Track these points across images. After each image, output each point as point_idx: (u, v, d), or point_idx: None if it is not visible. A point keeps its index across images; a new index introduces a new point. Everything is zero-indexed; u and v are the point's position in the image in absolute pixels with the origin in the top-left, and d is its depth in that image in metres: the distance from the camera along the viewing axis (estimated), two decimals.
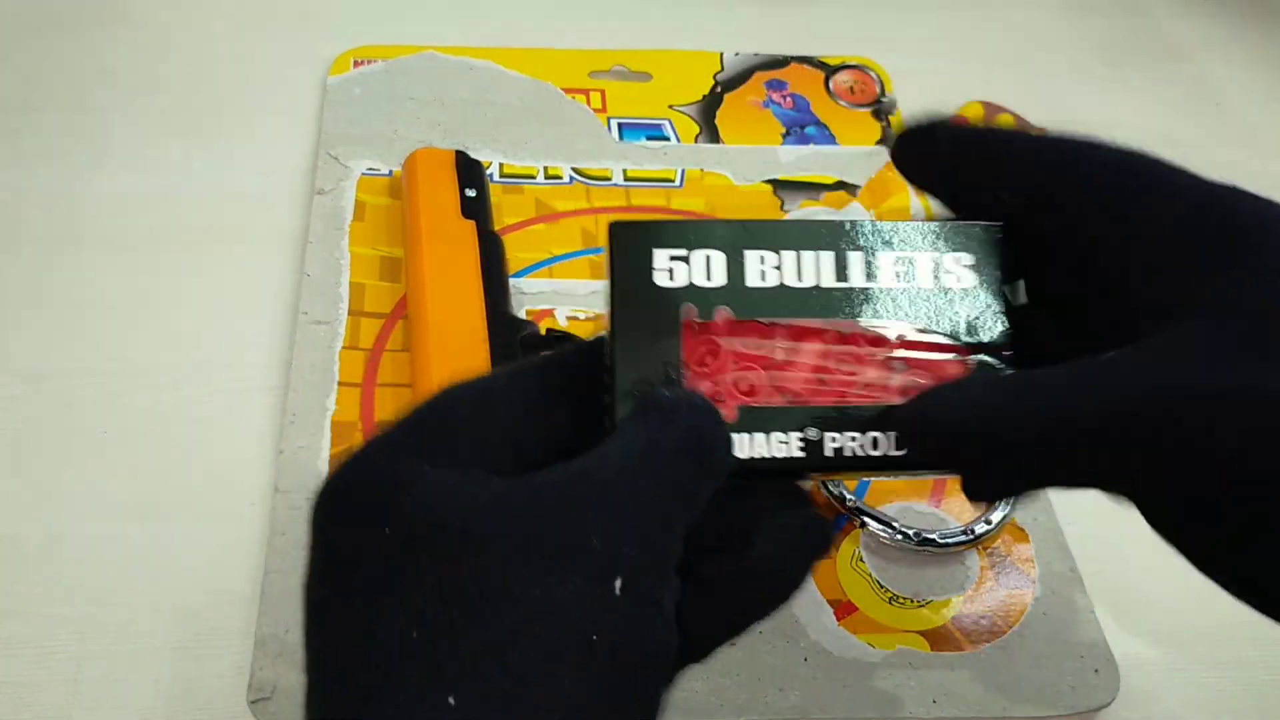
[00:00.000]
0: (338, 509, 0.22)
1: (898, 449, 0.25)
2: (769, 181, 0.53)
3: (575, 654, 0.20)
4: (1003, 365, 0.25)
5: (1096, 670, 0.37)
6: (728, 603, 0.25)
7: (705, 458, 0.23)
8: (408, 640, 0.20)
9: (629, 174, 0.53)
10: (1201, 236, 0.23)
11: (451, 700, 0.19)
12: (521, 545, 0.21)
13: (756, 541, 0.25)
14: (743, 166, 0.54)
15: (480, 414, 0.23)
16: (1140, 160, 0.25)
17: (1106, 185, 0.24)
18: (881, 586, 0.39)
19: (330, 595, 0.22)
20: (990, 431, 0.23)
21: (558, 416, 0.24)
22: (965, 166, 0.26)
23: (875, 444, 0.25)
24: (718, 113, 0.57)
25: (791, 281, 0.25)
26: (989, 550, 0.40)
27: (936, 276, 0.26)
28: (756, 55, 0.60)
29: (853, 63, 0.60)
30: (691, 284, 0.25)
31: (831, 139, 0.56)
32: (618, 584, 0.21)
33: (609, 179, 0.52)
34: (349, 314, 0.45)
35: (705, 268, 0.25)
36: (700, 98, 0.57)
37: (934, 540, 0.39)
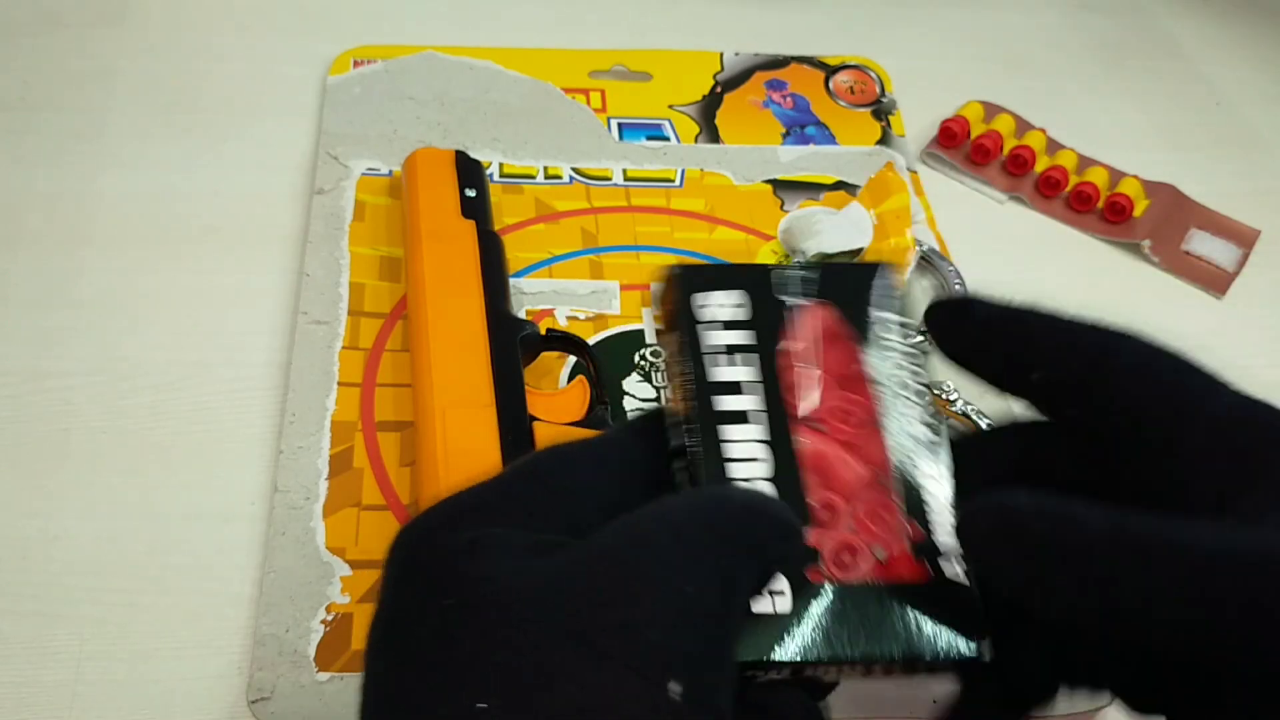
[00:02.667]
0: (407, 567, 0.21)
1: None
2: (769, 181, 0.53)
3: None
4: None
5: None
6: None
7: (772, 522, 0.22)
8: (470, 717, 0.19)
9: (629, 174, 0.53)
10: (1240, 446, 0.22)
11: None
12: (572, 630, 0.19)
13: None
14: (743, 166, 0.54)
15: (567, 478, 0.23)
16: (1176, 363, 0.24)
17: (1144, 385, 0.23)
18: None
19: (385, 663, 0.21)
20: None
21: (643, 483, 0.24)
22: (998, 344, 0.25)
23: None
24: (718, 113, 0.57)
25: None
26: None
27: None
28: (756, 55, 0.60)
29: (853, 63, 0.60)
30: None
31: (831, 139, 0.56)
32: (674, 688, 0.19)
33: (609, 179, 0.52)
34: (349, 314, 0.45)
35: None
36: (700, 98, 0.57)
37: None
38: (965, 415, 0.43)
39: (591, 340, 0.45)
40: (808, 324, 0.27)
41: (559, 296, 0.47)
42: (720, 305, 0.27)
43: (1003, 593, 0.23)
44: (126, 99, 0.55)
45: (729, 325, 0.26)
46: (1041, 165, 0.56)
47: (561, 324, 0.46)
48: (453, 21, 0.61)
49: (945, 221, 0.52)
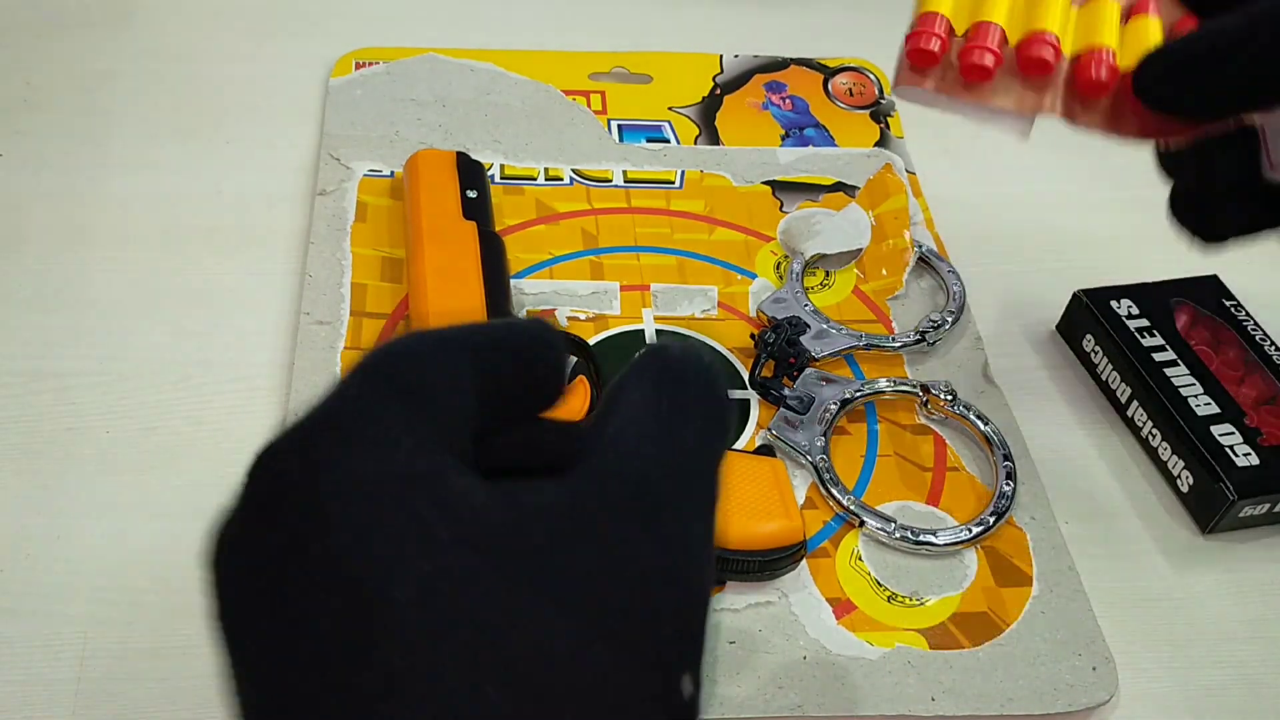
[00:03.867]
0: (266, 494, 0.19)
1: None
2: (768, 183, 0.53)
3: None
4: None
5: (1094, 668, 0.37)
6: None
7: (721, 429, 0.20)
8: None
9: (629, 175, 0.53)
10: None
11: None
12: (574, 607, 0.17)
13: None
14: (742, 168, 0.54)
15: (434, 369, 0.19)
16: None
17: None
18: (880, 585, 0.39)
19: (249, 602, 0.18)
20: None
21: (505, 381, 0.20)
22: None
23: None
24: (717, 114, 0.57)
25: None
26: (987, 549, 0.40)
27: None
28: (756, 57, 0.60)
29: (851, 65, 0.61)
30: None
31: (830, 141, 0.56)
32: (686, 683, 0.17)
33: (609, 180, 0.52)
34: (351, 314, 0.45)
35: None
36: (700, 99, 0.58)
37: (932, 539, 0.40)
38: (964, 415, 0.43)
39: (592, 340, 0.45)
40: None
41: (559, 297, 0.47)
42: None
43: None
44: (129, 101, 0.55)
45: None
46: (1076, 44, 0.34)
47: (562, 324, 0.46)
48: (454, 24, 0.61)
49: (943, 222, 0.52)
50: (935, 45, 0.32)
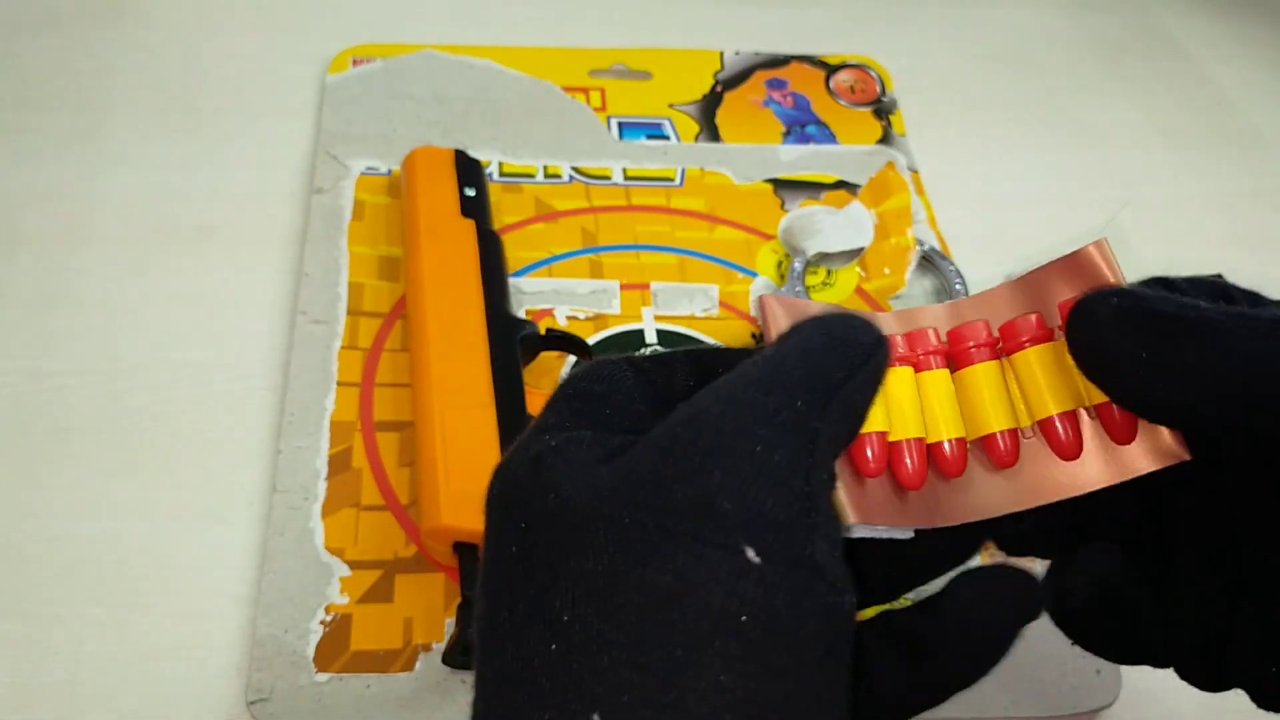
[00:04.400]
0: (491, 503, 0.21)
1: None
2: (769, 181, 0.53)
3: (724, 643, 0.18)
4: None
5: (1098, 671, 0.37)
6: (922, 659, 0.22)
7: (844, 347, 0.21)
8: (547, 656, 0.18)
9: (629, 173, 0.52)
10: None
11: (596, 718, 0.18)
12: (643, 521, 0.19)
13: (949, 591, 0.22)
14: (743, 165, 0.54)
15: (623, 381, 0.22)
16: None
17: None
18: None
19: (486, 604, 0.20)
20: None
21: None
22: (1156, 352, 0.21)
23: None
24: (718, 112, 0.57)
25: None
26: (989, 550, 0.40)
27: None
28: (757, 54, 0.60)
29: (853, 62, 0.60)
30: None
31: (832, 138, 0.56)
32: (751, 553, 0.18)
33: (609, 178, 0.52)
34: (348, 313, 0.45)
35: None
36: (700, 97, 0.57)
37: None
38: None
39: (591, 340, 0.45)
40: None
41: (559, 296, 0.47)
42: None
43: (1122, 382, 0.22)
44: (125, 98, 0.54)
45: None
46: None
47: (561, 323, 0.46)
48: (452, 20, 0.61)
49: (946, 221, 0.52)
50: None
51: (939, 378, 0.24)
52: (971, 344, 0.24)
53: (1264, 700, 0.23)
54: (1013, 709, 0.36)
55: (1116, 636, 0.25)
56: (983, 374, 0.24)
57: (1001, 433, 0.24)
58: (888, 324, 0.25)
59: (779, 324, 0.23)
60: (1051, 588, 0.25)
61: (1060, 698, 0.36)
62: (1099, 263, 0.24)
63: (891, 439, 0.24)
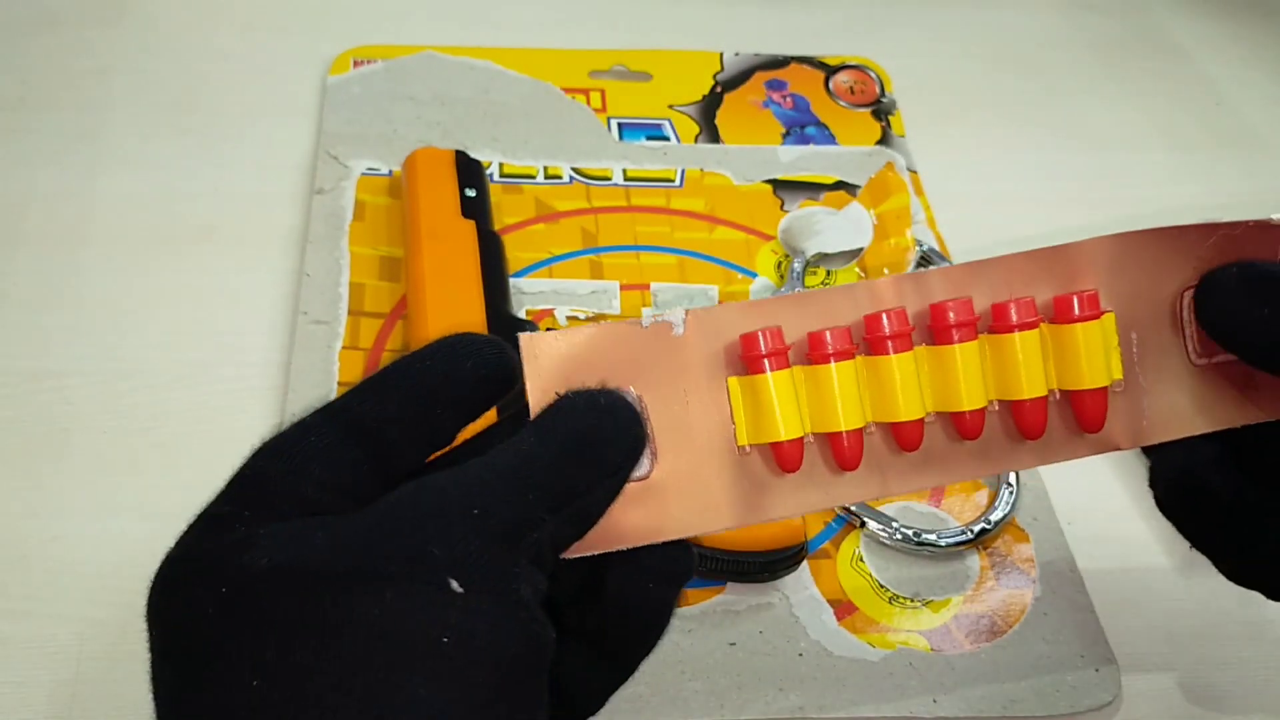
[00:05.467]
0: (170, 589, 0.21)
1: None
2: (769, 181, 0.53)
3: (426, 662, 0.19)
4: None
5: (1097, 670, 0.37)
6: (599, 646, 0.24)
7: (592, 458, 0.23)
8: (249, 692, 0.19)
9: (629, 174, 0.53)
10: None
11: None
12: (358, 567, 0.20)
13: (607, 582, 0.24)
14: (743, 166, 0.54)
15: (292, 464, 0.22)
16: None
17: None
18: (882, 586, 0.39)
19: (172, 674, 0.21)
20: None
21: (369, 452, 0.23)
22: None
23: None
24: (718, 113, 0.57)
25: None
26: (989, 550, 0.40)
27: None
28: (756, 55, 0.60)
29: (853, 63, 0.60)
30: None
31: (831, 139, 0.56)
32: (454, 584, 0.20)
33: (609, 179, 0.52)
34: (349, 314, 0.45)
35: None
36: (700, 98, 0.57)
37: (934, 540, 0.39)
38: None
39: None
40: None
41: (559, 296, 0.47)
42: None
43: (1251, 342, 0.26)
44: (126, 99, 0.54)
45: None
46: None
47: (561, 324, 0.46)
48: (452, 21, 0.61)
49: (945, 221, 0.52)
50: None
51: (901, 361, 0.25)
52: (953, 320, 0.25)
53: None
54: (1012, 709, 0.36)
55: (1204, 524, 0.28)
56: (960, 354, 0.25)
57: (971, 411, 0.25)
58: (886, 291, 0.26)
59: (539, 371, 0.24)
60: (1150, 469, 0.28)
61: (1059, 697, 0.36)
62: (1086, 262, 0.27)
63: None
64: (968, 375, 0.25)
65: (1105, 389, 0.26)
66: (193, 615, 0.20)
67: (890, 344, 0.25)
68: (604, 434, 0.23)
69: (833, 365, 0.24)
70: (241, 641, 0.20)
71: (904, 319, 0.25)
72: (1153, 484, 0.29)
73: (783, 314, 0.25)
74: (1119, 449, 0.27)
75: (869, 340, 0.25)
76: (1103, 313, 0.26)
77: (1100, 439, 0.26)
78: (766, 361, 0.24)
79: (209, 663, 0.20)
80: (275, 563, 0.20)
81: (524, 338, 0.25)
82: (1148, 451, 0.29)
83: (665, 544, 0.24)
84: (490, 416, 0.25)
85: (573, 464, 0.22)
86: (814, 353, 0.25)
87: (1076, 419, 0.26)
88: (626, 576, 0.24)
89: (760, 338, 0.24)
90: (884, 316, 0.25)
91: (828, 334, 0.25)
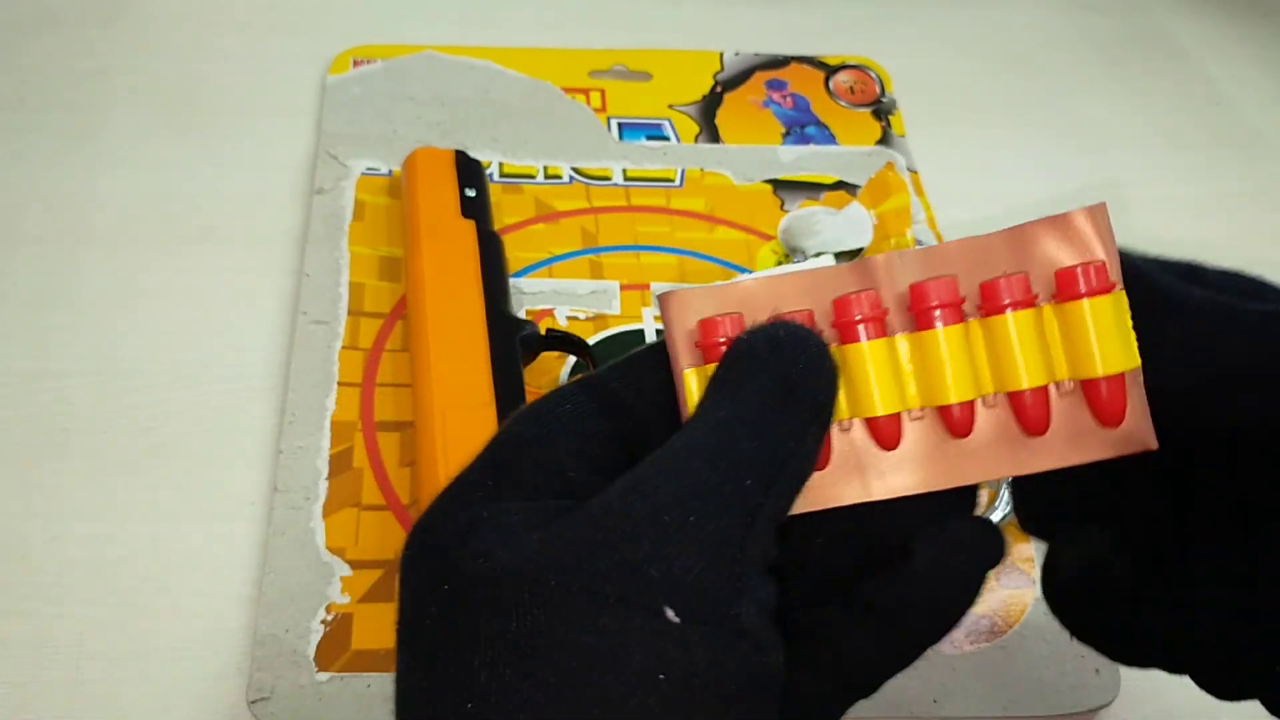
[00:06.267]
0: (411, 563, 0.21)
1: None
2: (769, 181, 0.53)
3: (639, 698, 0.18)
4: None
5: (1097, 670, 0.37)
6: (892, 626, 0.22)
7: (796, 404, 0.21)
8: (463, 714, 0.19)
9: (629, 174, 0.53)
10: None
11: None
12: (571, 586, 0.19)
13: (916, 553, 0.22)
14: (743, 166, 0.54)
15: (545, 430, 0.22)
16: None
17: None
18: None
19: (404, 662, 0.21)
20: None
21: (620, 426, 0.22)
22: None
23: None
24: (718, 112, 0.57)
25: None
26: None
27: None
28: (757, 55, 0.60)
29: (853, 62, 0.60)
30: None
31: (831, 139, 0.56)
32: (670, 614, 0.19)
33: (609, 179, 0.52)
34: (348, 314, 0.45)
35: None
36: (700, 97, 0.57)
37: None
38: None
39: (591, 340, 0.45)
40: None
41: (559, 296, 0.47)
42: None
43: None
44: (126, 98, 0.54)
45: None
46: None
47: (561, 324, 0.46)
48: (452, 21, 0.61)
49: (945, 221, 0.52)
50: None
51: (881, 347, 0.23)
52: (935, 303, 0.22)
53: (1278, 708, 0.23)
54: (1011, 708, 0.36)
55: (1107, 622, 0.25)
56: (947, 339, 0.22)
57: (960, 404, 0.23)
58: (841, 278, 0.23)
59: (686, 328, 0.22)
60: (1044, 567, 0.25)
61: (1059, 697, 0.36)
62: (1089, 233, 0.23)
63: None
64: (955, 364, 0.22)
65: (1123, 376, 0.22)
66: (420, 610, 0.20)
67: (864, 329, 0.22)
68: (800, 372, 0.21)
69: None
70: (459, 651, 0.19)
71: (877, 303, 0.23)
72: (1047, 580, 0.26)
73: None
74: (1148, 448, 0.22)
75: (839, 326, 0.23)
76: (1113, 286, 0.22)
77: (1124, 435, 0.22)
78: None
79: (430, 671, 0.20)
80: (491, 565, 0.20)
81: (665, 297, 0.23)
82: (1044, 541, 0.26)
83: (976, 520, 0.23)
84: None
85: (777, 418, 0.20)
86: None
87: (1093, 412, 0.22)
88: (939, 551, 0.22)
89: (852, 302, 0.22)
90: (852, 300, 0.23)
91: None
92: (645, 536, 0.19)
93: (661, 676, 0.18)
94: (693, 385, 0.22)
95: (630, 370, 0.23)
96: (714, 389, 0.21)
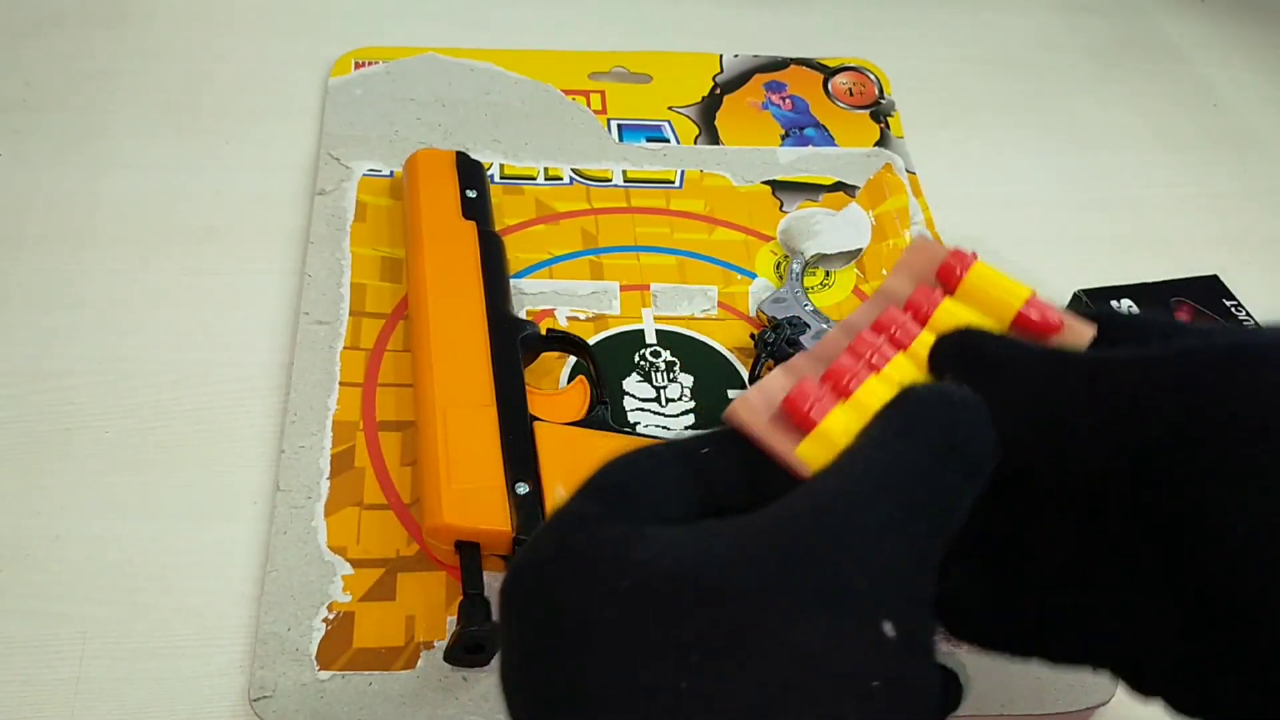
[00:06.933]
0: (546, 585, 0.21)
1: None
2: (768, 182, 0.53)
3: (855, 703, 0.18)
4: None
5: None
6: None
7: (960, 463, 0.22)
8: (664, 702, 0.18)
9: (629, 175, 0.53)
10: None
11: None
12: (779, 589, 0.19)
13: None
14: (742, 167, 0.54)
15: (646, 486, 0.22)
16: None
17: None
18: None
19: (557, 672, 0.20)
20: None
21: (703, 495, 0.23)
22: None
23: None
24: (717, 114, 0.57)
25: None
26: None
27: None
28: (756, 57, 0.60)
29: (851, 65, 0.60)
30: None
31: (830, 140, 0.56)
32: (887, 627, 0.19)
33: (609, 180, 0.52)
34: (350, 314, 0.45)
35: None
36: (700, 99, 0.58)
37: None
38: None
39: (592, 340, 0.45)
40: None
41: (559, 297, 0.47)
42: None
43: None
44: (128, 100, 0.55)
45: None
46: None
47: (562, 324, 0.46)
48: (453, 24, 0.61)
49: (944, 223, 0.52)
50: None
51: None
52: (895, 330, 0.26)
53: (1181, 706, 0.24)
54: (1009, 707, 0.36)
55: (973, 630, 0.27)
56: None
57: None
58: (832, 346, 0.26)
59: (763, 423, 0.24)
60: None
61: (1056, 695, 0.36)
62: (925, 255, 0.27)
63: None
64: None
65: (1034, 298, 0.26)
66: (581, 617, 0.20)
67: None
68: (965, 433, 0.22)
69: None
70: (649, 648, 0.19)
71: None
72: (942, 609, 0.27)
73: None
74: (1087, 338, 0.26)
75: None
76: (974, 256, 0.27)
77: (1074, 335, 0.26)
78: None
79: (609, 670, 0.19)
80: (681, 564, 0.19)
81: (728, 415, 0.24)
82: None
83: None
84: None
85: (943, 473, 0.21)
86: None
87: (1034, 336, 0.26)
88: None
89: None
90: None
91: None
92: (845, 559, 0.20)
93: (875, 684, 0.19)
94: (810, 455, 0.24)
95: (721, 451, 0.24)
96: (884, 424, 0.23)
